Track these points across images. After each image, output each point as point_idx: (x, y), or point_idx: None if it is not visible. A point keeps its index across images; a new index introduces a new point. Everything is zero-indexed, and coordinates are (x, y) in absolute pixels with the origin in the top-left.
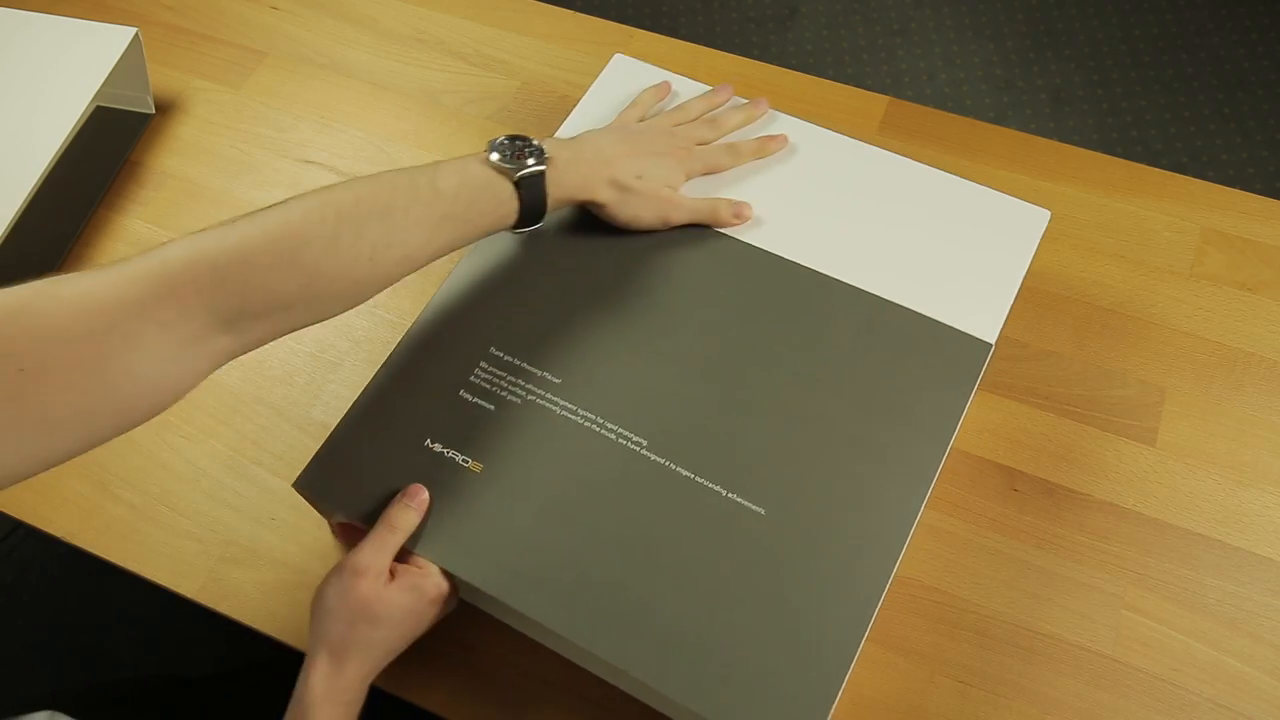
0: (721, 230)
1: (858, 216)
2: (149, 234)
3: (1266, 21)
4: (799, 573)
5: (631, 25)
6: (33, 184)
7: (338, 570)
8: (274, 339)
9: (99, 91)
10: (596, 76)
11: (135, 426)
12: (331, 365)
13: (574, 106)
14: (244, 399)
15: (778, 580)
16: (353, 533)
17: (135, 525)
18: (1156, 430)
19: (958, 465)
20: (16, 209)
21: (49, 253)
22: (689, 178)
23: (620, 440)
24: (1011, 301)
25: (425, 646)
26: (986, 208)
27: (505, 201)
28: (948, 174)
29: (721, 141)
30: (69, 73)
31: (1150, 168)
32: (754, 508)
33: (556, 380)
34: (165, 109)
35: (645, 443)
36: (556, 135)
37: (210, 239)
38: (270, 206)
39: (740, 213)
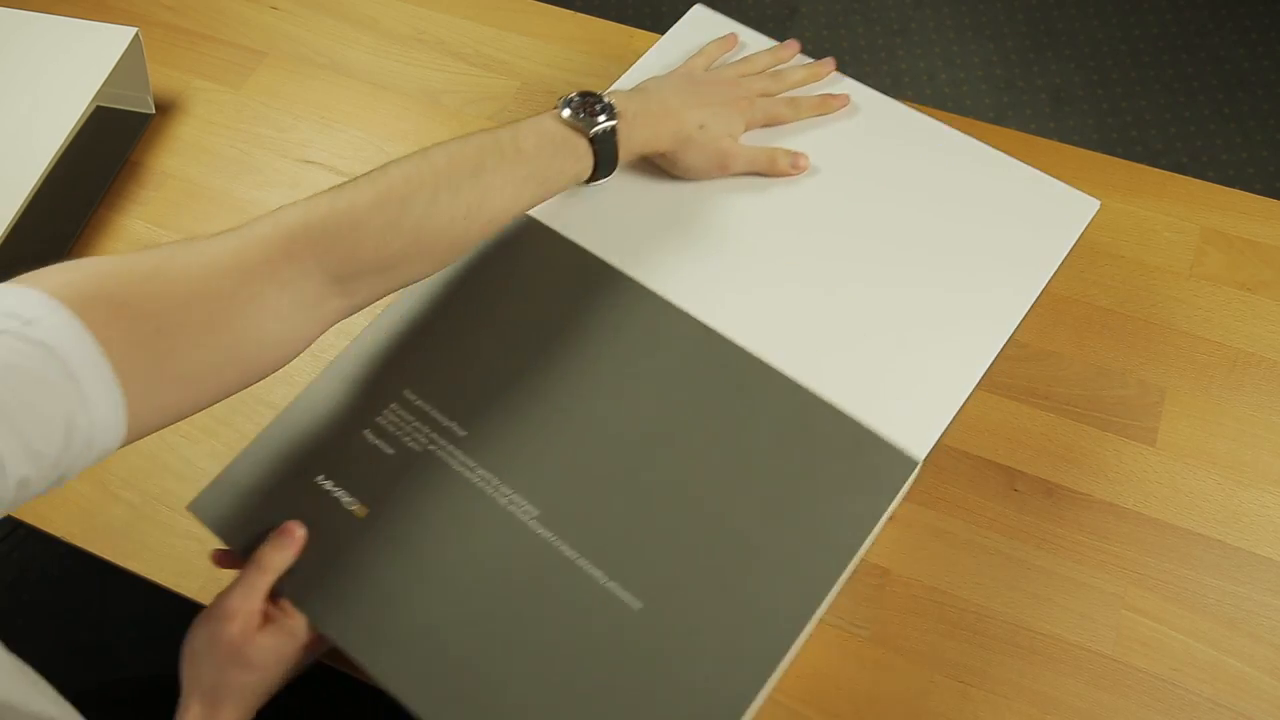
0: (665, 298)
1: (884, 201)
2: (149, 234)
3: (1266, 21)
4: (664, 673)
5: (631, 25)
6: (33, 184)
7: (207, 614)
8: (375, 301)
9: (99, 91)
10: (597, 76)
11: (258, 381)
12: None
13: None
14: (244, 398)
15: (639, 679)
16: (228, 560)
17: (135, 525)
18: (1156, 430)
19: (958, 465)
20: (16, 209)
21: (49, 253)
22: (749, 128)
23: (510, 507)
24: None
25: None
26: (1031, 193)
27: (582, 157)
28: (1007, 157)
29: (784, 95)
30: (69, 73)
31: (1150, 168)
32: (630, 600)
33: (462, 433)
34: (165, 109)
35: (536, 513)
36: (620, 84)
37: (322, 203)
38: (371, 172)
39: (797, 163)
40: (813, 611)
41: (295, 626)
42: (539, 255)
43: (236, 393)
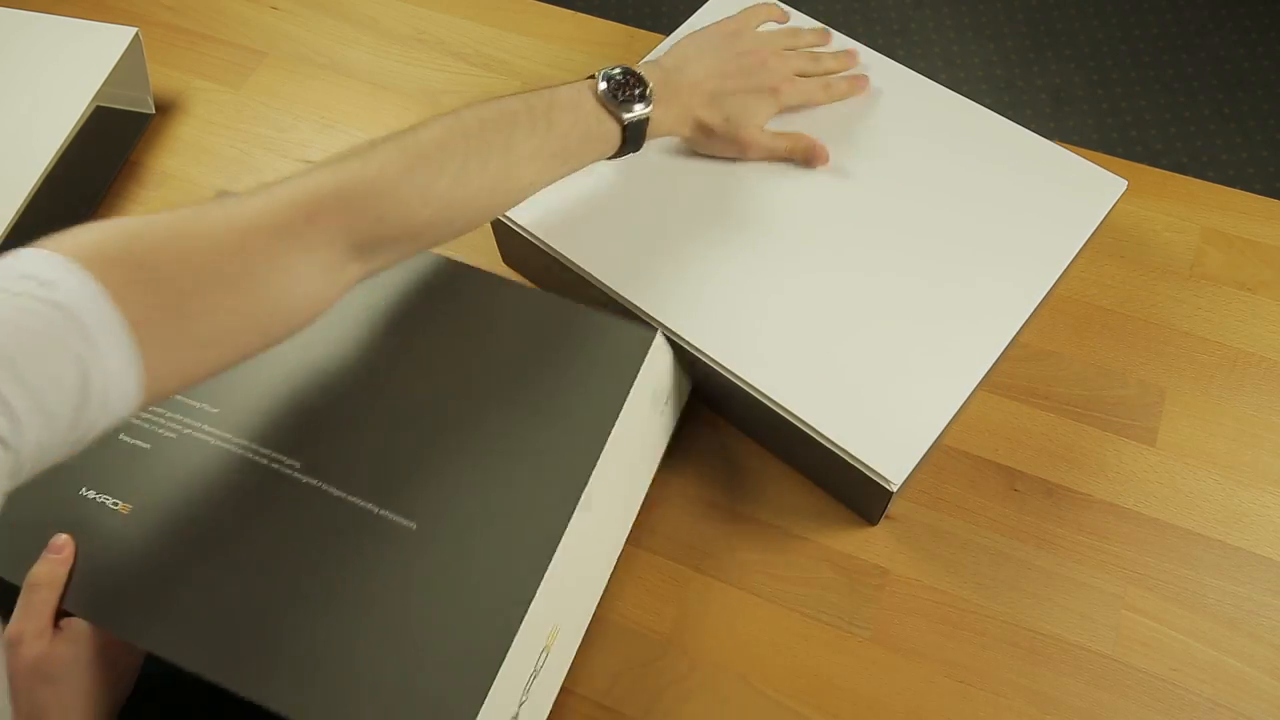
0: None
1: (896, 175)
2: None
3: (1266, 21)
4: (448, 585)
5: (631, 25)
6: (33, 184)
7: None
8: (391, 266)
9: (99, 91)
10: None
11: (278, 344)
12: None
13: None
14: None
15: (426, 594)
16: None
17: None
18: (1156, 430)
19: (958, 465)
20: (16, 209)
21: None
22: (781, 111)
23: (273, 465)
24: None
25: None
26: (1057, 170)
27: (611, 141)
28: (1031, 134)
29: (820, 79)
30: (69, 73)
31: (1150, 168)
32: (404, 522)
33: (214, 410)
34: (165, 109)
35: (298, 464)
36: (658, 53)
37: (353, 168)
38: (402, 133)
39: (815, 159)
40: (577, 497)
41: (78, 629)
42: None
43: (255, 355)
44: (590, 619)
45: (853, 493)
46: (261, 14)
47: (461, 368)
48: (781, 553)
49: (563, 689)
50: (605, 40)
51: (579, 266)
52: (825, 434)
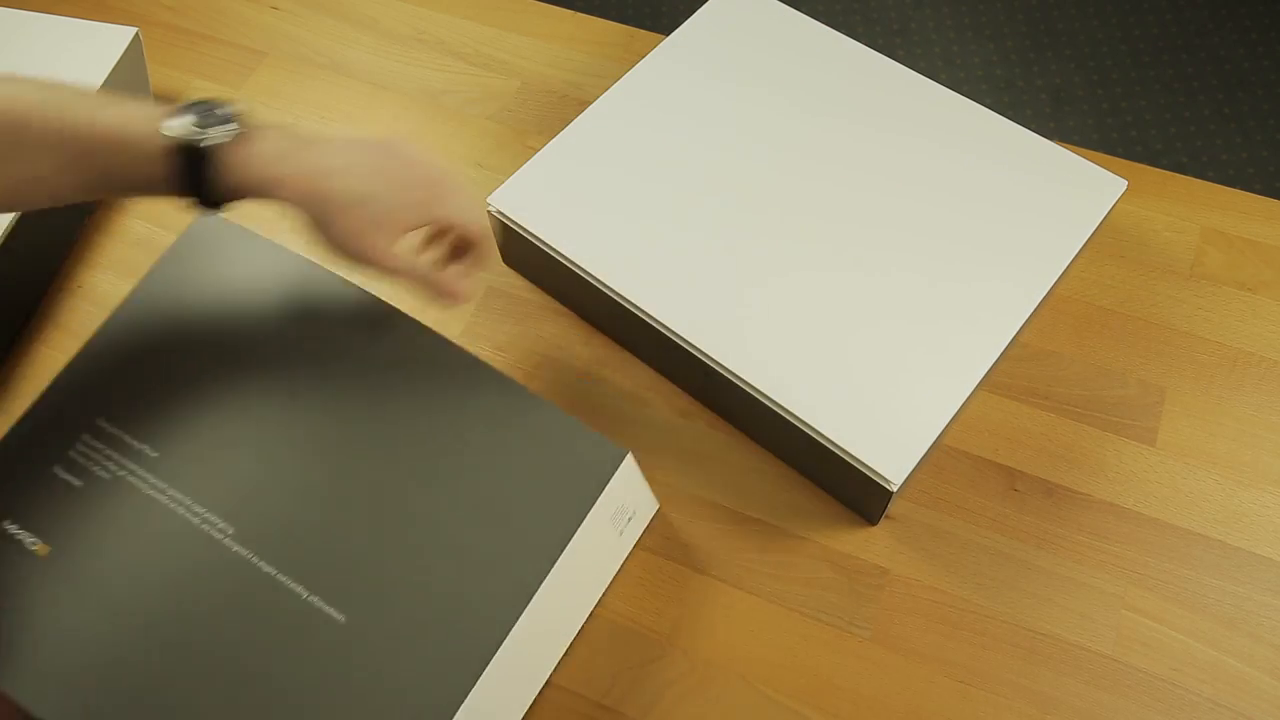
0: (371, 293)
1: (894, 174)
2: (149, 234)
3: (1266, 21)
4: (373, 684)
5: (631, 25)
6: None
7: None
8: None
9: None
10: (597, 76)
11: None
12: None
13: (574, 106)
14: None
15: (347, 693)
16: None
17: None
18: (1156, 430)
19: (958, 465)
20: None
21: (49, 253)
22: (417, 226)
23: (204, 526)
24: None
25: None
26: (1057, 170)
27: (155, 163)
28: (1032, 134)
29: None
30: (69, 73)
31: (1150, 168)
32: (334, 614)
33: (154, 454)
34: None
35: (231, 530)
36: (629, 78)
37: None
38: None
39: (448, 299)
40: (521, 608)
41: None
42: (257, 265)
43: None
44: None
45: (853, 493)
46: (261, 14)
47: (421, 453)
48: (781, 553)
49: (563, 689)
50: (605, 40)
51: (579, 266)
52: (825, 434)
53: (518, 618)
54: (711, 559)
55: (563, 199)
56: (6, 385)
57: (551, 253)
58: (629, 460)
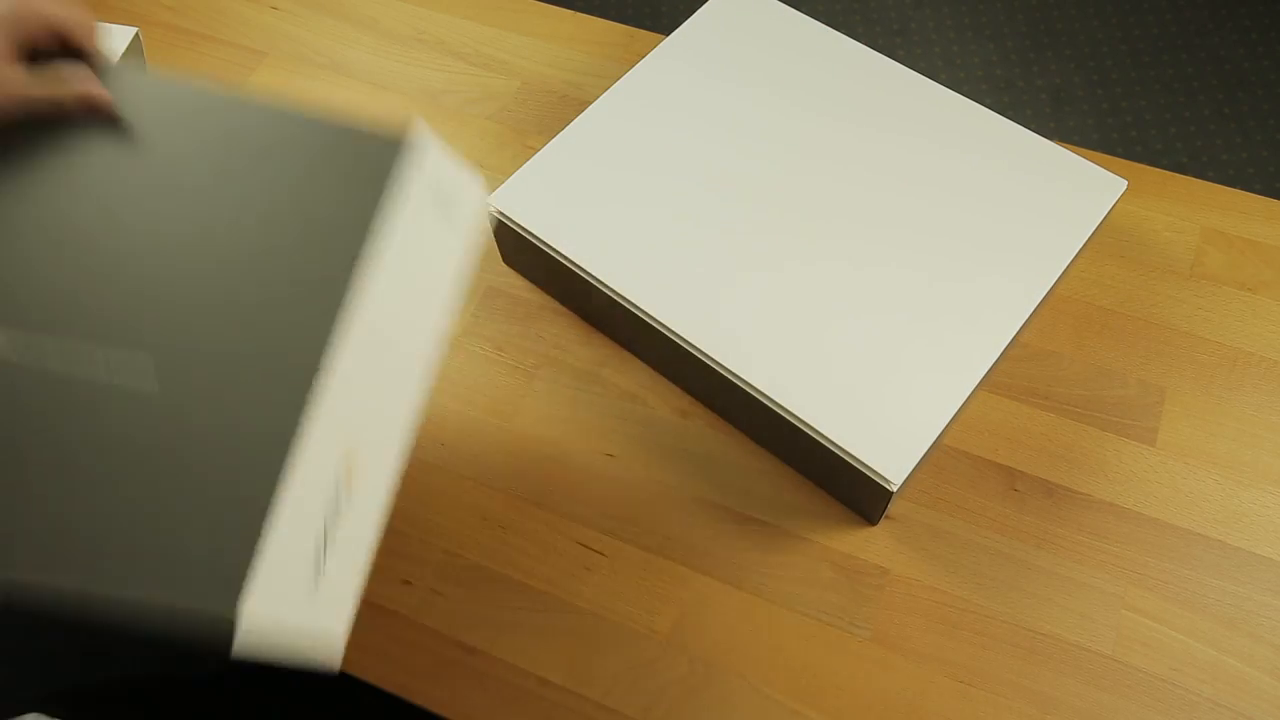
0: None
1: (893, 173)
2: None
3: (1266, 21)
4: (198, 433)
5: (631, 25)
6: None
7: None
8: None
9: None
10: (597, 76)
11: None
12: None
13: (574, 106)
14: None
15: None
16: None
17: None
18: (1156, 430)
19: (958, 465)
20: None
21: None
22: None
23: None
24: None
25: (426, 646)
26: (1056, 170)
27: None
28: (1031, 134)
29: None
30: None
31: (1150, 168)
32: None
33: None
34: None
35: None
36: (628, 78)
37: None
38: None
39: (90, 106)
40: (334, 314)
41: None
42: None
43: None
44: (406, 444)
45: (853, 493)
46: (261, 14)
47: (200, 190)
48: (781, 553)
49: (563, 689)
50: (605, 40)
51: (579, 266)
52: (825, 434)
53: (337, 317)
54: (711, 559)
55: (562, 199)
56: None
57: (551, 253)
58: (426, 134)
